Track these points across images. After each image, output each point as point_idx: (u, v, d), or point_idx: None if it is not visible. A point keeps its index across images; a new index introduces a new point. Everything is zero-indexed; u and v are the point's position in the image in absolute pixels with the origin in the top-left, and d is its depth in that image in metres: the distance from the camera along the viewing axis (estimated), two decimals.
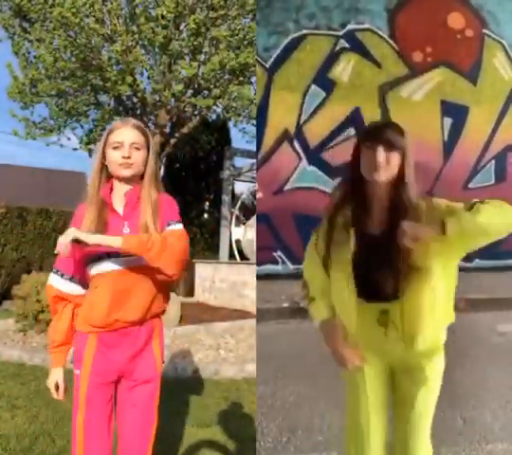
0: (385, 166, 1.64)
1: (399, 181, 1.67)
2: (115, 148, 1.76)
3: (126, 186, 1.81)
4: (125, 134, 1.77)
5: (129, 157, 1.75)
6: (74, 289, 1.85)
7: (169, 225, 1.78)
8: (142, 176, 1.81)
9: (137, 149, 1.77)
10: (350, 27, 5.67)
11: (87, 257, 1.76)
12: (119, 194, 1.81)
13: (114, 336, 1.77)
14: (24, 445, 2.97)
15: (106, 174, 1.82)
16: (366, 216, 1.72)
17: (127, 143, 1.76)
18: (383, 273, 1.68)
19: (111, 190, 1.81)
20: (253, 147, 8.86)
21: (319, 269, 1.85)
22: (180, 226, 1.81)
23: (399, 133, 1.67)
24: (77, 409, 1.77)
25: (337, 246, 1.75)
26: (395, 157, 1.65)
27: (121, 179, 1.80)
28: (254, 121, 8.52)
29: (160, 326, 1.89)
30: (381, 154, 1.63)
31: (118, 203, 1.81)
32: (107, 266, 1.74)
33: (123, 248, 1.63)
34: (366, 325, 1.75)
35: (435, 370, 1.78)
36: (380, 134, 1.66)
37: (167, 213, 1.80)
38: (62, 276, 1.85)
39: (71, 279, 1.85)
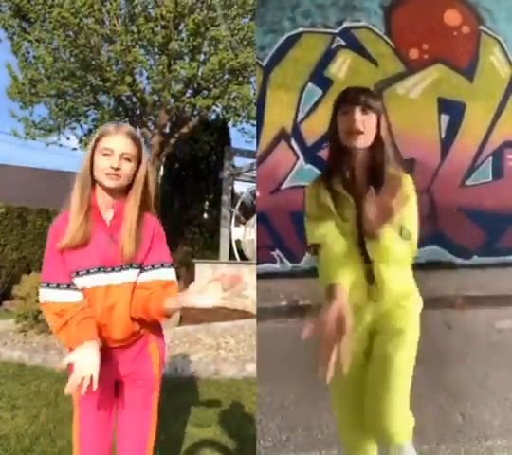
0: (362, 130, 1.65)
1: (377, 146, 1.69)
2: (104, 154, 1.62)
3: (110, 196, 1.69)
4: (117, 141, 1.63)
5: (118, 168, 1.62)
6: (75, 297, 1.66)
7: (162, 266, 1.72)
8: (128, 189, 1.70)
9: (128, 160, 1.64)
10: (346, 24, 5.67)
11: (75, 266, 1.65)
12: (106, 202, 1.69)
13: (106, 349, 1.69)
14: (24, 445, 2.97)
15: (91, 180, 1.68)
16: (353, 182, 1.72)
17: (117, 152, 1.62)
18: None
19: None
20: (253, 147, 8.90)
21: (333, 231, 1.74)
22: (172, 271, 1.75)
23: (374, 96, 1.70)
24: (75, 411, 1.75)
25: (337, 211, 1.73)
26: (372, 120, 1.67)
27: (105, 188, 1.67)
28: (253, 121, 8.54)
29: (158, 331, 1.84)
30: (358, 116, 1.65)
31: (104, 210, 1.70)
32: (95, 280, 1.65)
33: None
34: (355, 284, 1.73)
35: (411, 321, 1.77)
36: (356, 97, 1.68)
37: (158, 248, 1.73)
38: (57, 286, 1.65)
39: (68, 287, 1.66)
